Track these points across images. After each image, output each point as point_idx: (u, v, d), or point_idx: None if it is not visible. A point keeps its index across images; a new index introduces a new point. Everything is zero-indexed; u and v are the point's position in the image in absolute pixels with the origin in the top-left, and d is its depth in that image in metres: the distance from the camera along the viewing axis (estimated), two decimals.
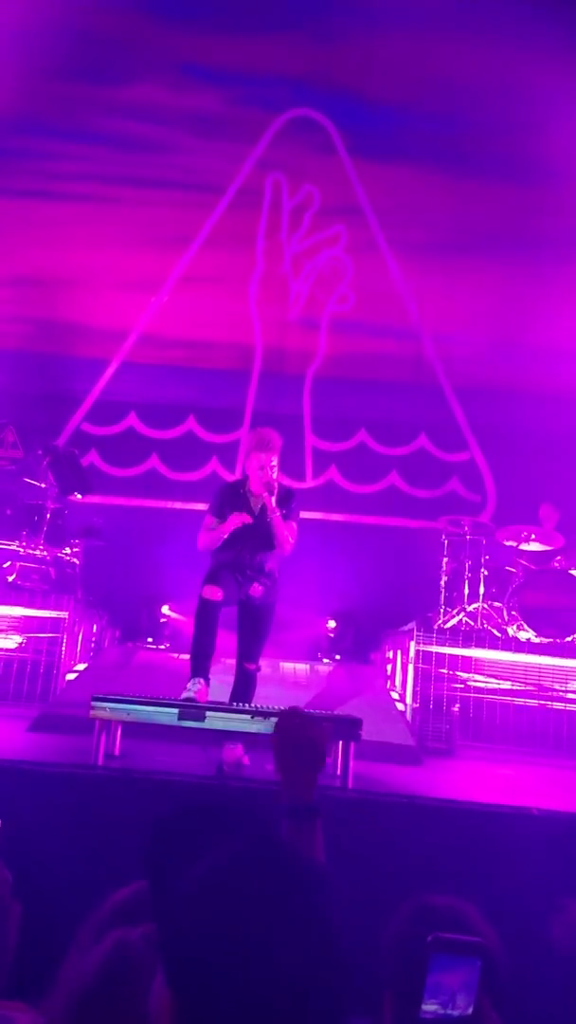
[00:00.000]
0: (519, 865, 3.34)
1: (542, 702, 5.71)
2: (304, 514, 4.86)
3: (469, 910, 1.58)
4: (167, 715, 3.98)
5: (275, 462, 4.46)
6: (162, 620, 8.06)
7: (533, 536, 6.88)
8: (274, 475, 4.46)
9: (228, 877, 0.89)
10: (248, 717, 4.06)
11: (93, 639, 7.18)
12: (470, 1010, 1.13)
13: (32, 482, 6.97)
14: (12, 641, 5.73)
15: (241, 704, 4.32)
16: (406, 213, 9.14)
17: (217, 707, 4.17)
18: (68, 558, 7.09)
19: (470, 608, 6.69)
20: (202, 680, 4.23)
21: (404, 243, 9.19)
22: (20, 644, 5.72)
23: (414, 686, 5.79)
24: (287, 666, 7.01)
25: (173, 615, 7.95)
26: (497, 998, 1.28)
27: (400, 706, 6.04)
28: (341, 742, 4.03)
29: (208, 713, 4.02)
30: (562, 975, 2.20)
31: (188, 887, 0.89)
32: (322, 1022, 0.85)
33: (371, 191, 9.27)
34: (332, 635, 8.17)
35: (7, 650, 5.68)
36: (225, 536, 4.43)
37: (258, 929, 0.84)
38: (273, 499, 4.40)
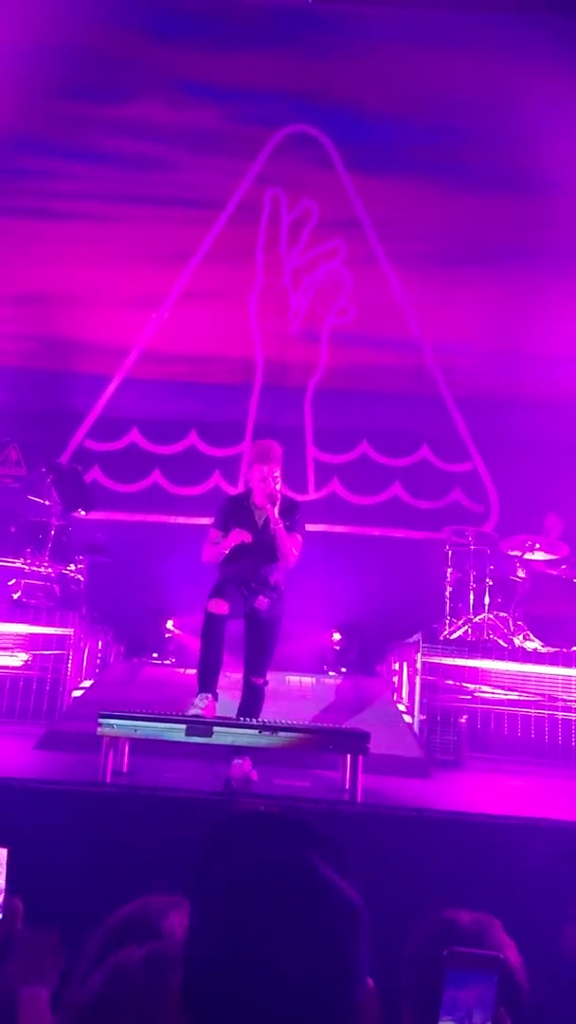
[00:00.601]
0: (530, 877, 3.32)
1: (550, 712, 5.69)
2: (307, 526, 4.87)
3: (493, 925, 1.56)
4: (175, 731, 3.98)
5: (277, 473, 4.48)
6: (167, 635, 8.06)
7: (537, 545, 6.87)
8: (277, 486, 4.47)
9: (256, 897, 0.89)
10: (256, 732, 4.06)
11: (99, 655, 7.17)
12: None
13: (36, 499, 6.99)
14: (18, 659, 5.73)
15: (249, 719, 4.31)
16: (405, 225, 9.20)
17: (225, 722, 4.16)
18: (73, 575, 7.10)
19: (476, 619, 6.68)
20: (209, 695, 4.22)
21: (403, 255, 9.23)
22: (26, 661, 5.71)
23: (421, 698, 5.77)
24: (293, 679, 6.99)
25: (177, 632, 7.95)
26: (517, 1015, 1.27)
27: (407, 718, 6.02)
28: (349, 756, 4.02)
29: (216, 728, 4.01)
30: (572, 984, 2.19)
31: (215, 899, 0.89)
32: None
33: (369, 204, 9.33)
34: (338, 648, 8.16)
35: (13, 668, 5.67)
36: (227, 551, 4.44)
37: (277, 950, 0.85)
38: (276, 510, 4.41)
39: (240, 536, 4.39)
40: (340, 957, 0.87)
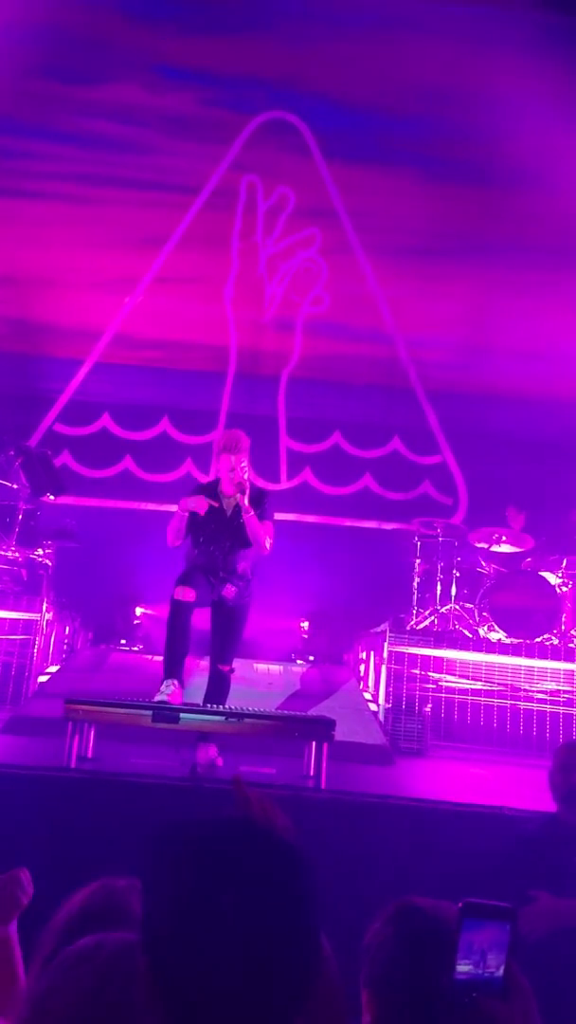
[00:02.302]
0: (490, 863, 3.38)
1: (512, 702, 5.78)
2: (278, 516, 4.88)
3: (452, 912, 1.59)
4: (141, 717, 3.98)
5: (245, 463, 4.49)
6: (135, 622, 8.04)
7: (504, 538, 6.96)
8: (245, 476, 4.48)
9: (205, 853, 0.90)
10: (222, 719, 4.07)
11: (66, 641, 7.14)
12: (500, 971, 1.16)
13: (4, 483, 6.91)
14: None
15: (215, 706, 4.33)
16: (380, 217, 9.21)
17: (191, 709, 4.17)
18: (40, 559, 7.04)
19: (442, 609, 6.76)
20: (175, 682, 4.23)
21: (378, 246, 9.25)
22: None
23: (386, 687, 5.83)
24: (261, 667, 7.01)
25: (147, 611, 7.92)
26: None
27: (373, 707, 6.08)
28: (314, 743, 4.05)
29: (182, 715, 4.02)
30: (531, 963, 2.24)
31: (166, 865, 0.91)
32: (290, 992, 0.87)
33: (346, 194, 9.32)
34: (306, 636, 8.20)
35: None
36: (185, 517, 4.42)
37: (232, 903, 0.86)
38: (246, 498, 4.42)
39: (196, 504, 4.39)
40: (293, 908, 0.89)
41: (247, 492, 4.43)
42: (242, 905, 0.86)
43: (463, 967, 1.15)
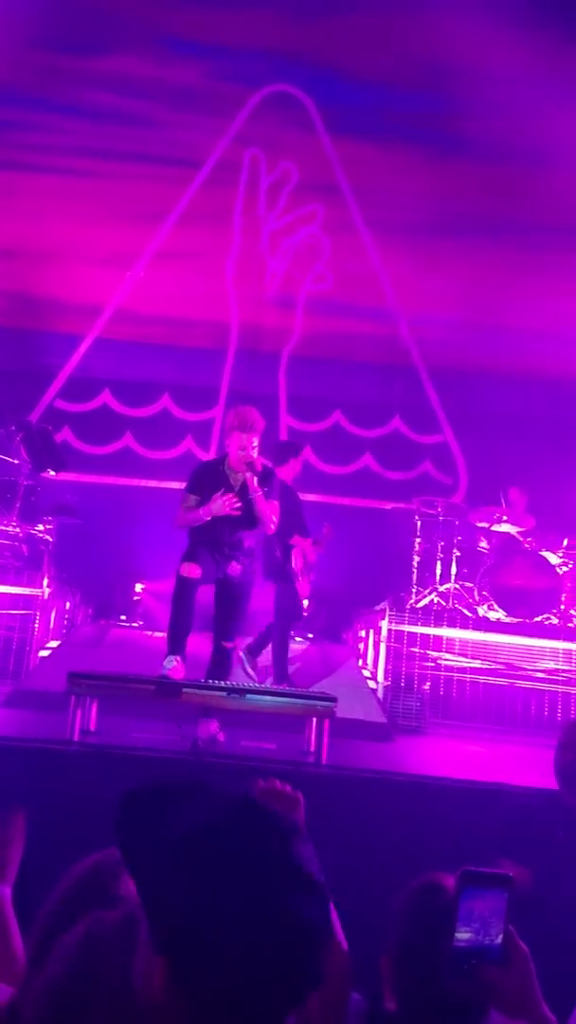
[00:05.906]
0: (486, 838, 3.42)
1: (511, 681, 5.82)
2: None
3: None
4: (144, 691, 4.01)
5: (256, 443, 4.48)
6: (135, 598, 8.06)
7: (504, 518, 6.97)
8: (255, 455, 4.47)
9: (209, 836, 0.92)
10: (224, 694, 4.10)
11: (66, 616, 7.16)
12: (499, 939, 1.18)
13: (4, 458, 6.90)
14: None
15: (217, 681, 4.36)
16: (384, 193, 9.12)
17: (193, 684, 4.20)
18: (41, 535, 7.05)
19: (442, 588, 6.78)
20: (178, 657, 4.25)
21: (381, 223, 9.17)
22: None
23: (385, 665, 5.86)
24: None
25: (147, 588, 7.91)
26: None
27: (372, 684, 6.12)
28: (315, 719, 4.09)
29: (184, 690, 4.05)
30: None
31: (170, 849, 0.91)
32: (306, 969, 0.89)
33: (349, 169, 9.23)
34: (305, 614, 8.21)
35: None
36: (206, 519, 4.42)
37: (240, 886, 0.88)
38: (256, 479, 4.41)
39: (229, 504, 4.37)
40: (302, 880, 0.90)
41: (257, 473, 4.42)
42: (246, 884, 0.88)
43: (462, 935, 1.17)
